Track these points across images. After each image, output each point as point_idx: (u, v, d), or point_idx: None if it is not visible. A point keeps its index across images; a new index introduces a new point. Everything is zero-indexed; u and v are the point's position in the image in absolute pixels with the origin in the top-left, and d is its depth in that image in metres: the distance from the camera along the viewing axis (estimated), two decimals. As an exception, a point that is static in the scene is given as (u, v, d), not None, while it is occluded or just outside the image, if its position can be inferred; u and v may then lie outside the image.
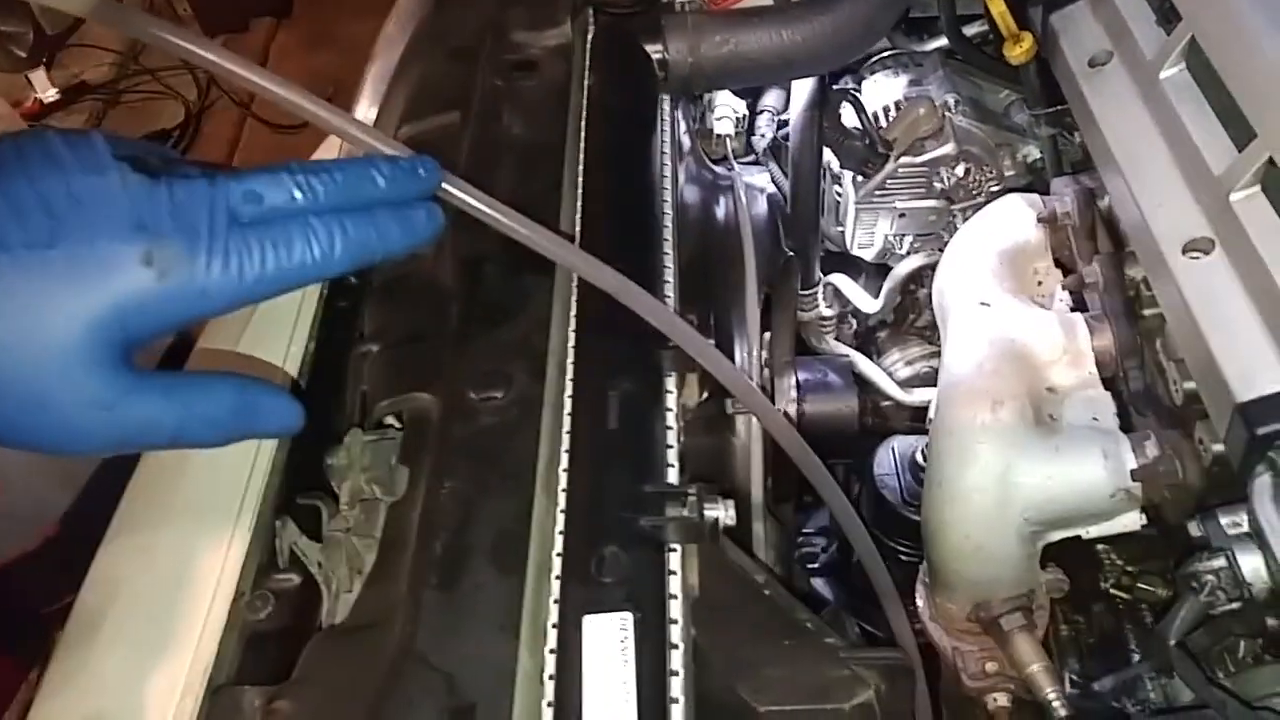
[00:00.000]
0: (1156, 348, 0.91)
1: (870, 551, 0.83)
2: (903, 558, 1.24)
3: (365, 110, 1.21)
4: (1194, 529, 0.74)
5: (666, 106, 1.04)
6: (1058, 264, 1.06)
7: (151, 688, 0.73)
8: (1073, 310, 0.99)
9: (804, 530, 1.40)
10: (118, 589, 0.80)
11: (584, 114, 0.97)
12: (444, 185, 0.60)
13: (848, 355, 1.28)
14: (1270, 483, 0.68)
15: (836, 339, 1.36)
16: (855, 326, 1.39)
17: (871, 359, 1.36)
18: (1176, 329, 0.82)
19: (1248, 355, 0.71)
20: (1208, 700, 0.69)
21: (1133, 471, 0.82)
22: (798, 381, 1.16)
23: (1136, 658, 1.01)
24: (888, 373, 1.35)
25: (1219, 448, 0.75)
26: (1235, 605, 0.70)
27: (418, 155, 0.59)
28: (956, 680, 0.97)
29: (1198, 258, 0.78)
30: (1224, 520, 0.72)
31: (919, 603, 1.01)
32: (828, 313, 1.31)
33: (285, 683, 0.68)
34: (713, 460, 0.94)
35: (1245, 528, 0.71)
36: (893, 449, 1.32)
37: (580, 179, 0.89)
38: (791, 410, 1.14)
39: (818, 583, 1.36)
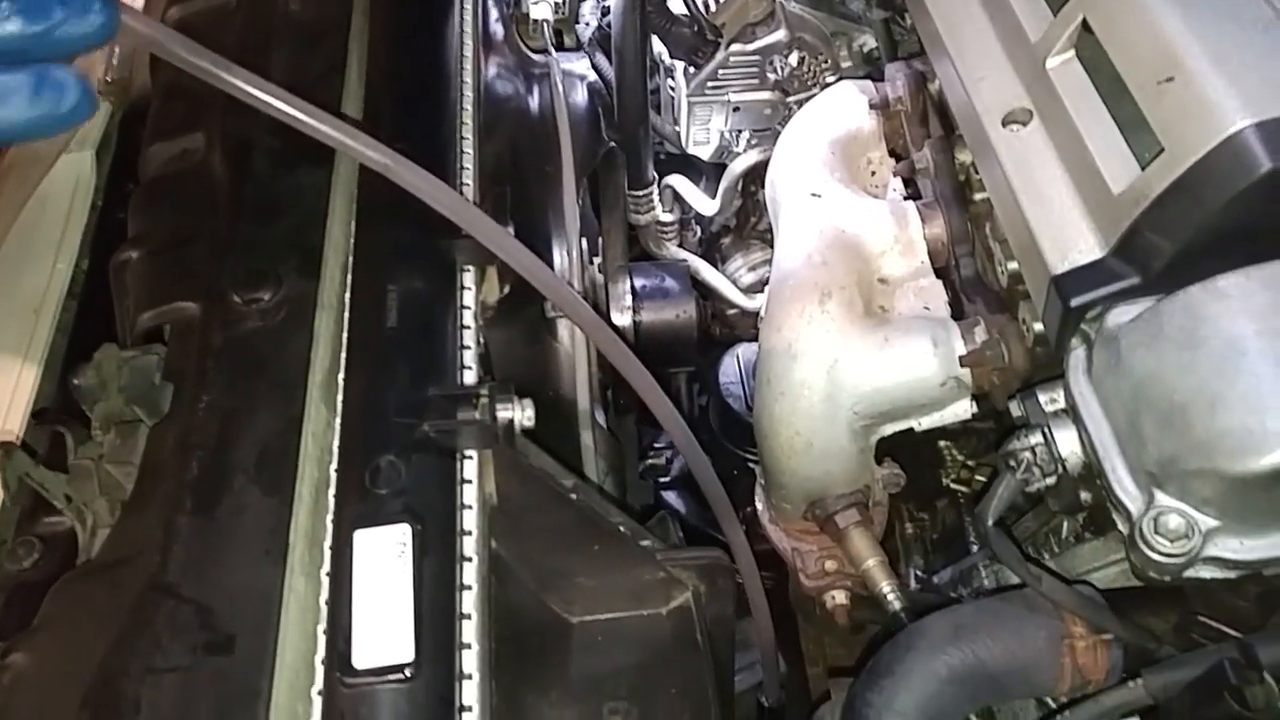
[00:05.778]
0: (986, 232, 0.89)
1: (698, 456, 0.78)
2: (751, 465, 1.21)
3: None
4: (1014, 408, 0.72)
5: (471, -14, 0.95)
6: (892, 153, 1.02)
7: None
8: (906, 200, 0.96)
9: (655, 444, 1.37)
10: None
11: (373, -10, 0.87)
12: (181, 52, 0.49)
13: (686, 260, 1.23)
14: (1084, 355, 0.66)
15: (680, 245, 1.31)
16: (698, 234, 1.34)
17: (716, 266, 1.32)
18: (999, 206, 0.79)
19: (1062, 227, 0.68)
20: (1022, 576, 0.68)
21: (961, 358, 0.80)
22: (633, 288, 1.11)
23: (975, 548, 1.01)
24: (731, 279, 1.32)
25: (1040, 326, 0.73)
26: (1050, 481, 0.68)
27: None
28: (797, 581, 0.95)
29: (1016, 129, 0.75)
30: (1042, 398, 0.70)
31: (758, 505, 0.98)
32: (666, 218, 1.25)
33: (21, 634, 0.60)
34: (532, 367, 0.88)
35: (1062, 404, 0.69)
36: (738, 356, 1.30)
37: (365, 60, 0.80)
38: (628, 318, 1.09)
39: (670, 495, 1.33)
